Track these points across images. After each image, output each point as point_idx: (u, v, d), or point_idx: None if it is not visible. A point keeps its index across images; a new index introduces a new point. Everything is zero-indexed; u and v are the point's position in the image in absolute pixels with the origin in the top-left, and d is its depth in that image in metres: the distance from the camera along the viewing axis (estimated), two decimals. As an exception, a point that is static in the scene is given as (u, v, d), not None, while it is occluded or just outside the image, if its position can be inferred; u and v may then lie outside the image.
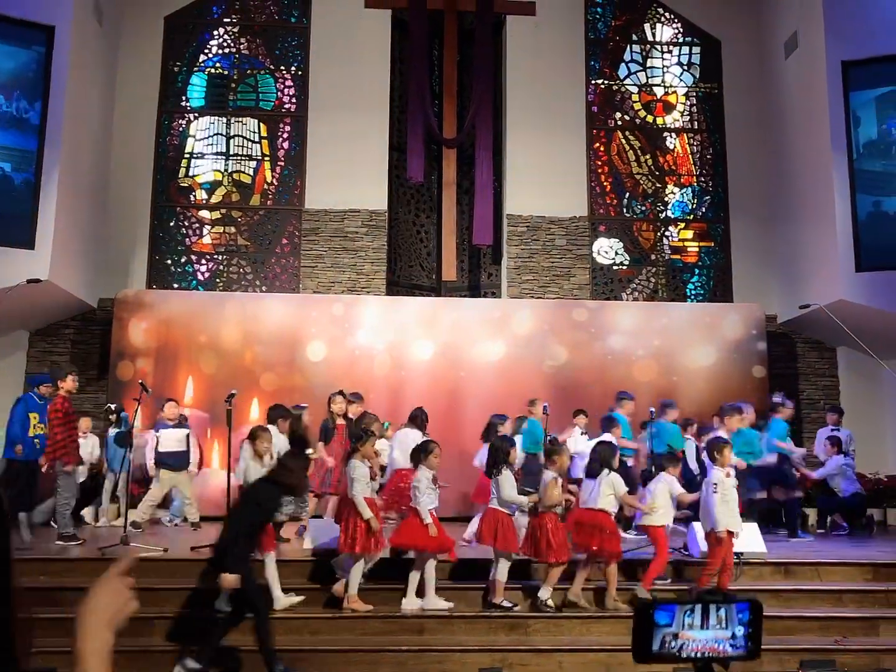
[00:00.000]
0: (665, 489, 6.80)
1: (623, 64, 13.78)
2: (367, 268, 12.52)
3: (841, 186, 11.19)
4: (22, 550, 7.13)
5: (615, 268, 13.23)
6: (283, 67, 13.29)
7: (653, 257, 13.34)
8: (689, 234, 13.51)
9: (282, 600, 6.22)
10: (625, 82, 13.73)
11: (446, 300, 12.41)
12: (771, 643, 5.45)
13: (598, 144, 13.42)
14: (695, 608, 2.03)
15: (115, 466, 9.47)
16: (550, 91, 13.02)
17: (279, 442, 7.34)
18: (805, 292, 11.65)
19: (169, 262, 12.67)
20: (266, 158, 13.05)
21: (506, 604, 6.37)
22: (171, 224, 12.76)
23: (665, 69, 13.82)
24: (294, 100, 13.17)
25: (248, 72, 13.34)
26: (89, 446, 9.76)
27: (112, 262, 12.22)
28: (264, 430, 6.98)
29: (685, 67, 13.87)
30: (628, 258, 13.28)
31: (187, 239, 12.77)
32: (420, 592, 6.38)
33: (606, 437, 8.26)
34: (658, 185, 13.48)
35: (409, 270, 13.37)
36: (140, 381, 8.83)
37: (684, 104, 13.79)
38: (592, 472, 6.69)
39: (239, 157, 13.04)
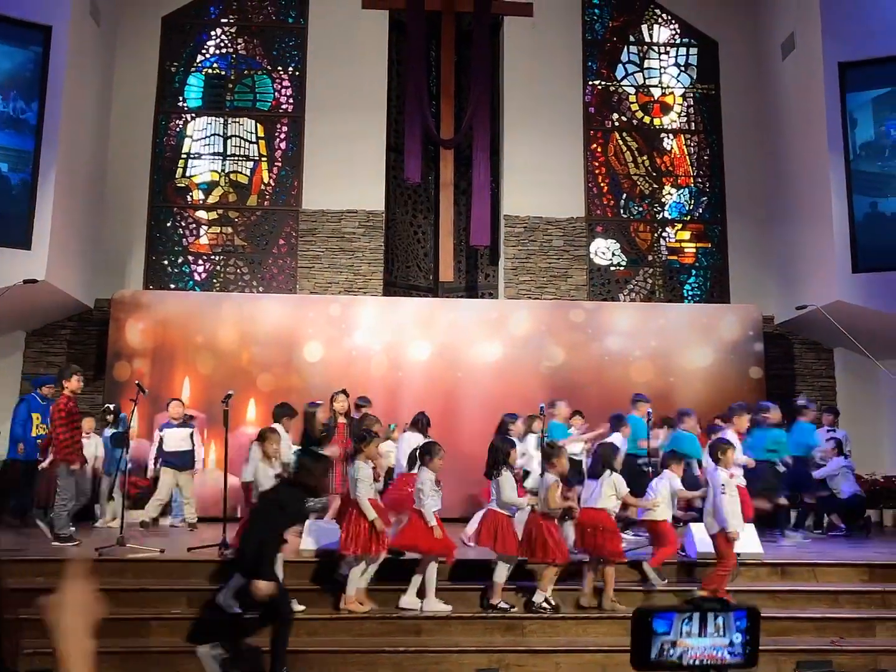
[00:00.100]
0: (666, 485, 6.94)
1: (620, 65, 13.79)
2: (364, 268, 12.52)
3: (838, 188, 11.21)
4: (16, 551, 7.12)
5: (612, 269, 13.24)
6: (280, 68, 13.28)
7: (650, 258, 13.35)
8: (686, 235, 13.52)
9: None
10: (622, 83, 13.74)
11: (443, 301, 12.41)
12: (767, 644, 5.46)
13: (595, 145, 13.43)
14: (692, 616, 2.04)
15: (111, 467, 9.45)
16: (548, 92, 13.03)
17: (284, 440, 7.34)
18: (802, 293, 11.67)
19: (166, 262, 12.66)
20: (263, 159, 13.05)
21: (503, 605, 6.37)
22: (168, 224, 12.75)
23: (662, 70, 13.83)
24: (291, 100, 13.17)
25: (246, 72, 13.33)
26: (92, 446, 9.75)
27: (109, 262, 12.21)
28: (273, 432, 6.96)
29: (682, 68, 13.89)
30: (625, 259, 13.29)
31: (184, 239, 12.76)
32: (420, 593, 6.37)
33: (615, 436, 8.31)
34: (655, 186, 13.49)
35: (406, 271, 13.37)
36: (137, 381, 8.82)
37: (681, 105, 13.81)
38: (594, 472, 6.72)
39: (236, 158, 13.03)
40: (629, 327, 11.67)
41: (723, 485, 6.54)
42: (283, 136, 13.09)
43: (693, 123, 13.77)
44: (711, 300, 13.05)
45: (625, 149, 13.54)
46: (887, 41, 11.01)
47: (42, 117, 10.49)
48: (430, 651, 5.94)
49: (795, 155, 12.32)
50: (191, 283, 12.61)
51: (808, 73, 11.84)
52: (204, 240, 12.80)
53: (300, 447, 7.62)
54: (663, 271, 13.34)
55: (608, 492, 6.57)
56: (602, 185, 13.39)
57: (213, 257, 12.73)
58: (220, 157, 13.01)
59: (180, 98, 13.12)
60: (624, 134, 13.59)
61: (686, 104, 13.82)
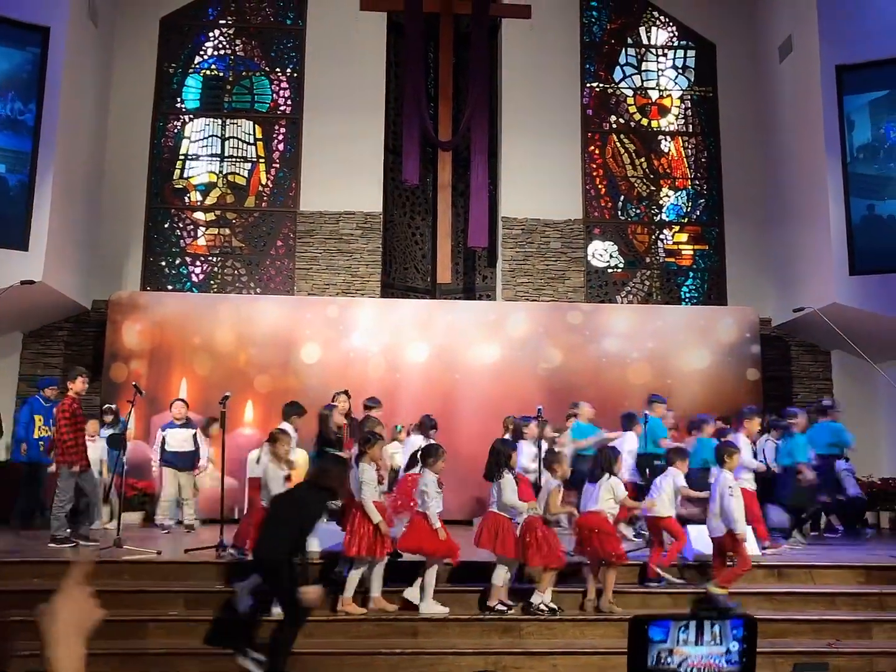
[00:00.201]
0: (671, 483, 7.01)
1: (618, 67, 13.81)
2: (362, 270, 12.52)
3: (835, 190, 11.23)
4: (12, 553, 7.12)
5: (610, 271, 13.25)
6: (278, 69, 13.29)
7: (647, 260, 13.37)
8: (684, 237, 13.54)
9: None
10: (620, 85, 13.77)
11: (441, 303, 12.42)
12: (764, 646, 5.47)
13: (592, 147, 13.45)
14: (689, 624, 2.04)
15: (108, 468, 9.45)
16: (546, 94, 13.05)
17: (293, 440, 7.34)
18: (799, 296, 11.68)
19: (163, 263, 12.65)
20: (261, 160, 13.05)
21: (500, 607, 6.37)
22: (166, 226, 12.75)
23: (660, 72, 13.85)
24: (289, 102, 13.17)
25: (244, 74, 13.33)
26: (98, 449, 9.75)
27: (106, 263, 12.20)
28: (284, 433, 6.92)
29: (680, 71, 13.90)
30: (623, 261, 13.30)
31: (182, 241, 12.75)
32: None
33: (629, 435, 8.31)
34: (653, 188, 13.51)
35: (403, 273, 13.38)
36: (134, 383, 8.81)
37: (679, 107, 13.83)
38: (594, 476, 6.73)
39: (234, 159, 13.04)
40: (627, 329, 11.68)
41: (730, 486, 6.58)
42: (280, 137, 13.09)
43: (691, 126, 13.79)
44: (709, 302, 13.06)
45: (622, 151, 13.56)
46: (884, 44, 11.04)
47: (40, 118, 10.49)
48: (426, 653, 5.92)
49: (793, 157, 12.34)
50: (188, 284, 12.61)
51: (806, 76, 11.86)
52: (201, 241, 12.80)
53: (316, 450, 7.60)
54: (661, 273, 13.35)
55: (606, 495, 6.58)
56: (600, 187, 13.40)
57: (210, 258, 12.73)
58: (218, 159, 13.01)
59: (178, 99, 13.12)
60: (622, 136, 13.60)
61: (684, 106, 13.84)
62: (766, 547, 7.74)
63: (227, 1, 13.32)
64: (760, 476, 8.55)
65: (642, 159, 13.55)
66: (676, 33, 13.95)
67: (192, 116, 13.12)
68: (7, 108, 10.41)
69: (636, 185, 13.49)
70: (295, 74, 13.19)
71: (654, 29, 13.95)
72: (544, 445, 8.46)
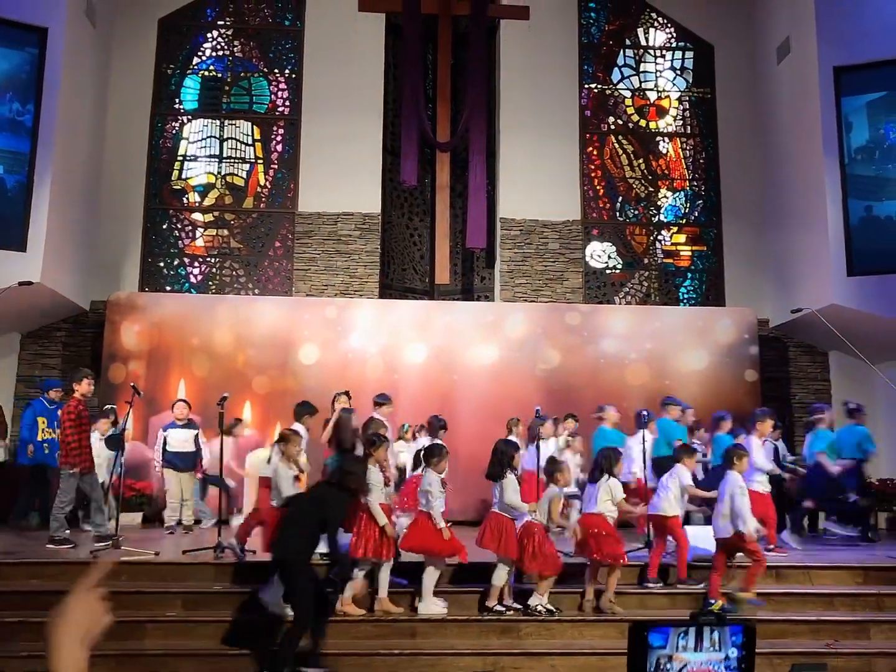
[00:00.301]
0: (676, 481, 7.01)
1: (616, 68, 13.82)
2: (361, 271, 12.52)
3: (833, 191, 11.24)
4: (11, 554, 7.11)
5: (608, 271, 13.26)
6: (276, 70, 13.29)
7: (645, 261, 13.37)
8: (682, 238, 13.55)
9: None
10: (618, 86, 13.78)
11: (439, 303, 12.41)
12: (763, 647, 5.47)
13: (591, 148, 13.46)
14: (689, 630, 2.05)
15: (106, 470, 9.44)
16: (544, 95, 13.05)
17: (304, 440, 7.33)
18: (797, 296, 11.69)
19: (161, 264, 12.64)
20: (259, 161, 13.04)
21: (499, 608, 6.37)
22: (164, 226, 12.74)
23: (658, 73, 13.87)
24: (288, 103, 13.17)
25: (242, 74, 13.33)
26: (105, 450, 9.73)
27: (104, 264, 12.19)
28: (295, 433, 6.89)
29: (678, 72, 13.92)
30: (621, 262, 13.31)
31: (180, 241, 12.74)
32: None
33: (645, 433, 8.36)
34: (651, 189, 13.52)
35: (402, 274, 13.38)
36: (132, 383, 8.80)
37: (677, 108, 13.84)
38: (594, 477, 6.74)
39: (232, 160, 13.03)
40: (625, 330, 11.69)
41: (740, 487, 6.59)
42: (279, 138, 13.09)
43: (689, 127, 13.80)
44: (707, 303, 13.07)
45: (621, 152, 13.56)
46: (882, 45, 11.05)
47: (38, 119, 10.48)
48: (425, 654, 5.93)
49: (791, 158, 12.36)
50: (186, 285, 12.60)
51: (804, 77, 11.88)
52: (200, 242, 12.79)
53: (336, 452, 7.58)
54: (659, 274, 13.36)
55: (604, 497, 6.59)
56: (598, 188, 13.41)
57: (208, 259, 12.72)
58: (217, 160, 13.01)
59: (176, 100, 13.11)
60: (620, 137, 13.61)
61: (682, 108, 13.85)
62: (771, 549, 7.74)
63: (226, 2, 13.32)
64: (774, 478, 8.58)
65: (640, 160, 13.56)
66: (674, 34, 13.97)
67: (190, 117, 13.11)
68: (5, 108, 10.41)
69: (634, 186, 13.50)
70: (293, 75, 13.19)
71: (652, 30, 13.96)
72: (543, 446, 8.47)
